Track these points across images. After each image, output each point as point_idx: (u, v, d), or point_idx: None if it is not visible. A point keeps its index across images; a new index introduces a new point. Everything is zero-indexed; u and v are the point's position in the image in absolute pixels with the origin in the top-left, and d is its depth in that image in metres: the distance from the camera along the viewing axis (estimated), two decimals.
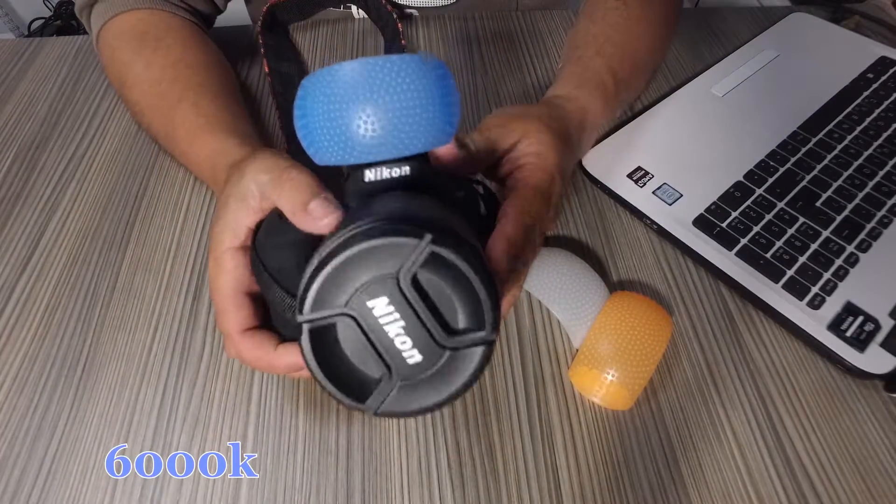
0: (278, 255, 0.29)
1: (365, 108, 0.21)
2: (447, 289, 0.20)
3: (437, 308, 0.20)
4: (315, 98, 0.22)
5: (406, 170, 0.23)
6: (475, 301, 0.20)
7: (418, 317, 0.20)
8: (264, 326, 0.32)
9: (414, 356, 0.20)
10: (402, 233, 0.19)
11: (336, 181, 0.27)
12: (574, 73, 0.43)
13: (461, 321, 0.20)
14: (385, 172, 0.23)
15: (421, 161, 0.23)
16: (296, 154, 0.41)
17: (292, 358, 0.29)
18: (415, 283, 0.20)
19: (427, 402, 0.20)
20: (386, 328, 0.20)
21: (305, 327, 0.20)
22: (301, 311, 0.20)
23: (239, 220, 0.30)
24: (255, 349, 0.30)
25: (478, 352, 0.20)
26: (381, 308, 0.20)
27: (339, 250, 0.19)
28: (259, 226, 0.31)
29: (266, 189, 0.29)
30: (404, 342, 0.20)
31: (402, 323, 0.20)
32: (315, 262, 0.20)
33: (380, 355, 0.20)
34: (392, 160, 0.22)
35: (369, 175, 0.23)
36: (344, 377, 0.20)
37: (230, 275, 0.30)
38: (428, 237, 0.19)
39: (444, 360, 0.20)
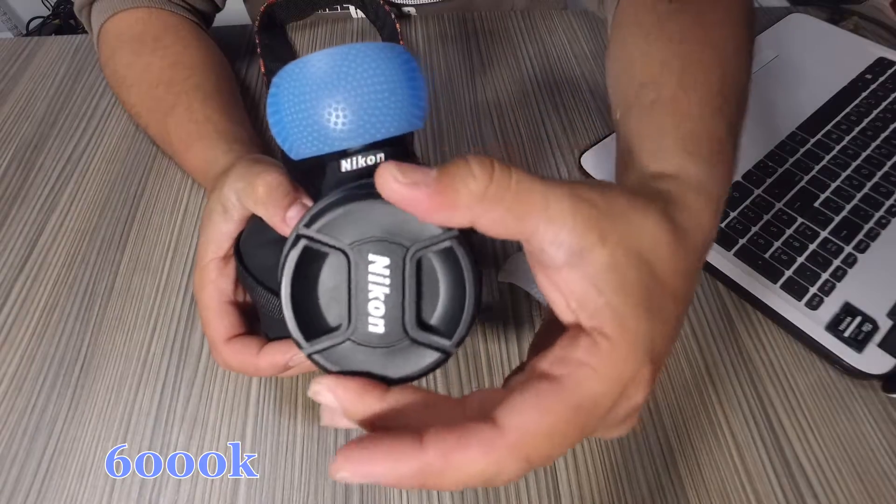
0: (261, 254, 0.29)
1: (334, 97, 0.22)
2: (441, 286, 0.20)
3: (422, 298, 0.20)
4: (285, 93, 0.23)
5: (381, 156, 0.23)
6: (458, 311, 0.20)
7: (403, 294, 0.20)
8: (251, 333, 0.32)
9: (377, 326, 0.20)
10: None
11: (312, 175, 0.27)
12: (667, 129, 0.27)
13: (435, 319, 0.20)
14: (360, 161, 0.23)
15: (395, 148, 0.24)
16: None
17: (275, 357, 0.29)
18: (418, 263, 0.20)
19: (359, 370, 0.20)
20: (370, 287, 0.20)
21: (302, 241, 0.20)
22: (308, 226, 0.20)
23: (220, 231, 0.30)
24: (238, 354, 0.30)
25: (433, 356, 0.20)
26: (378, 267, 0.20)
27: (377, 194, 0.19)
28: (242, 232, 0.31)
29: (241, 196, 0.29)
30: (377, 308, 0.20)
31: (386, 290, 0.20)
32: (351, 187, 0.20)
33: (349, 307, 0.20)
34: (366, 148, 0.23)
35: (345, 165, 0.23)
36: (303, 308, 0.20)
37: (213, 285, 0.31)
38: (455, 231, 0.19)
39: (400, 346, 0.20)
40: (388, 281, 0.20)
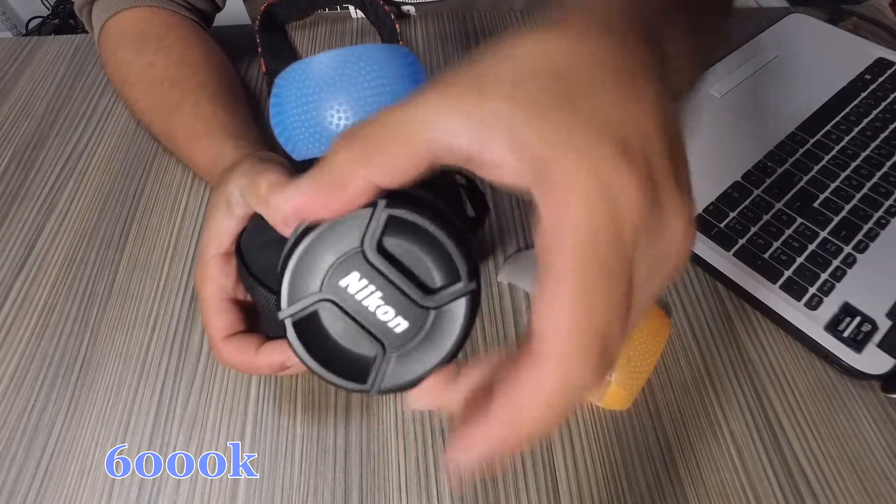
0: (262, 254, 0.29)
1: (337, 99, 0.22)
2: (416, 250, 0.20)
3: (412, 272, 0.20)
4: (288, 94, 0.23)
5: None
6: (445, 255, 0.20)
7: (393, 284, 0.20)
8: (252, 331, 0.32)
9: (400, 324, 0.20)
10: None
11: None
12: None
13: (438, 279, 0.20)
14: None
15: None
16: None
17: (273, 357, 0.29)
18: (382, 251, 0.20)
19: (424, 368, 0.20)
20: (365, 303, 0.20)
21: (288, 322, 0.20)
22: (280, 308, 0.20)
23: (223, 227, 0.30)
24: (237, 353, 0.30)
25: (461, 304, 0.20)
26: (355, 284, 0.20)
27: (299, 240, 0.20)
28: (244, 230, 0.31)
29: (244, 193, 0.29)
30: (386, 312, 0.20)
31: (379, 294, 0.20)
32: (282, 257, 0.20)
33: (367, 331, 0.20)
34: None
35: None
36: (339, 362, 0.20)
37: (214, 282, 0.31)
38: (382, 203, 0.19)
39: (431, 321, 0.20)
40: (372, 287, 0.20)
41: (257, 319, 0.32)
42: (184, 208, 0.47)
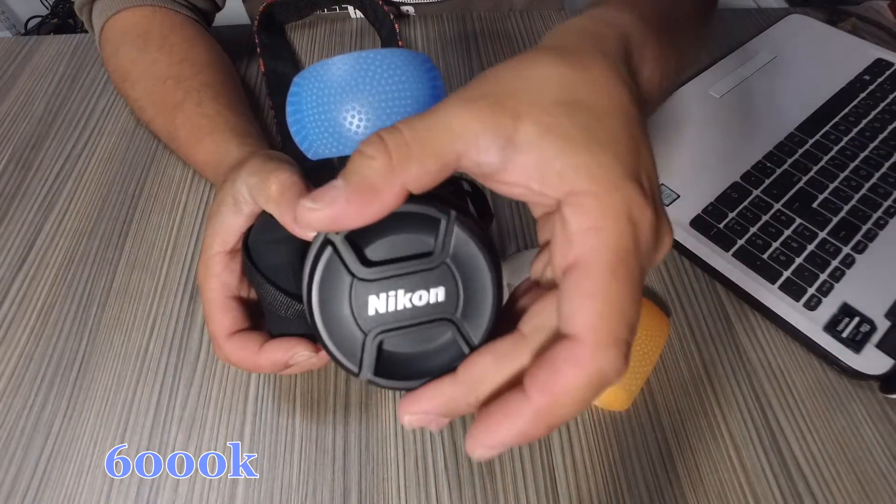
0: (271, 251, 0.29)
1: (355, 102, 0.22)
2: (392, 237, 0.20)
3: (407, 254, 0.20)
4: (307, 94, 0.23)
5: None
6: (413, 216, 0.20)
7: (403, 275, 0.20)
8: (255, 329, 0.32)
9: (438, 293, 0.20)
10: (320, 253, 0.20)
11: (327, 174, 0.27)
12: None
13: (428, 238, 0.20)
14: None
15: None
16: (290, 152, 0.42)
17: (276, 355, 0.29)
18: (370, 263, 0.20)
19: (490, 303, 0.21)
20: (401, 308, 0.20)
21: (370, 376, 0.20)
22: (355, 373, 0.21)
23: (229, 225, 0.30)
24: (239, 351, 0.30)
25: (459, 234, 0.20)
26: (380, 304, 0.20)
27: (312, 317, 0.20)
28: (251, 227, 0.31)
29: (254, 192, 0.29)
30: (422, 297, 0.20)
31: (402, 291, 0.20)
32: (314, 331, 0.21)
33: (426, 323, 0.20)
34: None
35: None
36: (430, 365, 0.21)
37: (217, 279, 0.31)
38: (322, 236, 0.20)
39: (456, 267, 0.20)
40: (392, 292, 0.20)
41: (260, 318, 0.32)
42: (183, 208, 0.47)
